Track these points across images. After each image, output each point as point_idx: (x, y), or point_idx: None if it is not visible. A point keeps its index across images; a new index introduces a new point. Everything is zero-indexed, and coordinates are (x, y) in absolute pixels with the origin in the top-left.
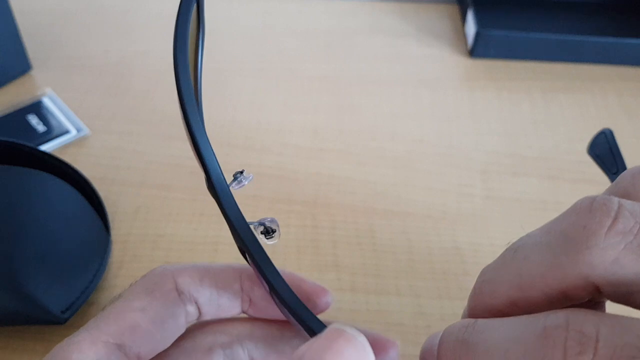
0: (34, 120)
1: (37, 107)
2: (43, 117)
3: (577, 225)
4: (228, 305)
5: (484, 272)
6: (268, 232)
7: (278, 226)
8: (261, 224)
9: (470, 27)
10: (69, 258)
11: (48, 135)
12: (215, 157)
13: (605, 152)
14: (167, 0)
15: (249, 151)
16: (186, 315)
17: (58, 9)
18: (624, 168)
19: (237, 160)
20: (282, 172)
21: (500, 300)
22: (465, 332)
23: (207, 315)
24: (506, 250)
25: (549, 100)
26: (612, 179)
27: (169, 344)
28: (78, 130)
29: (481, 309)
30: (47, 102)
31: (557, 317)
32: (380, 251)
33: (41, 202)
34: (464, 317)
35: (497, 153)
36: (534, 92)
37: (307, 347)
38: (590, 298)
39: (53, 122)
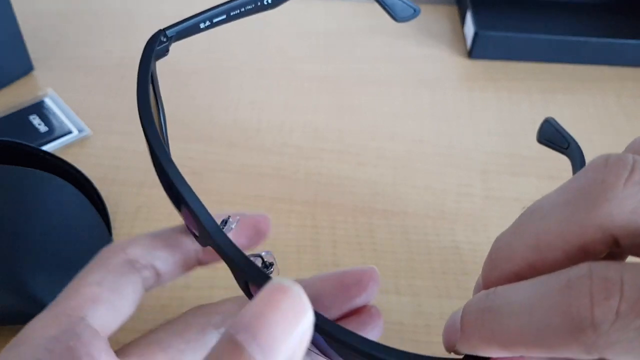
0: (35, 120)
1: (38, 108)
2: (45, 118)
3: (594, 180)
4: (184, 260)
5: (498, 239)
6: (267, 267)
7: (275, 259)
8: (259, 256)
9: (469, 28)
10: (71, 257)
11: (50, 136)
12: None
13: (553, 134)
14: (167, 0)
15: (249, 151)
16: (143, 281)
17: (59, 9)
18: (574, 141)
19: (237, 161)
20: (282, 172)
21: (518, 263)
22: (487, 299)
23: (167, 276)
24: (522, 214)
25: (548, 100)
26: (567, 154)
27: (132, 311)
28: (79, 130)
29: (497, 275)
30: (48, 102)
31: (579, 269)
32: (380, 251)
33: (43, 202)
34: (477, 288)
35: (496, 153)
36: (533, 93)
37: (250, 305)
38: (608, 253)
39: (55, 123)
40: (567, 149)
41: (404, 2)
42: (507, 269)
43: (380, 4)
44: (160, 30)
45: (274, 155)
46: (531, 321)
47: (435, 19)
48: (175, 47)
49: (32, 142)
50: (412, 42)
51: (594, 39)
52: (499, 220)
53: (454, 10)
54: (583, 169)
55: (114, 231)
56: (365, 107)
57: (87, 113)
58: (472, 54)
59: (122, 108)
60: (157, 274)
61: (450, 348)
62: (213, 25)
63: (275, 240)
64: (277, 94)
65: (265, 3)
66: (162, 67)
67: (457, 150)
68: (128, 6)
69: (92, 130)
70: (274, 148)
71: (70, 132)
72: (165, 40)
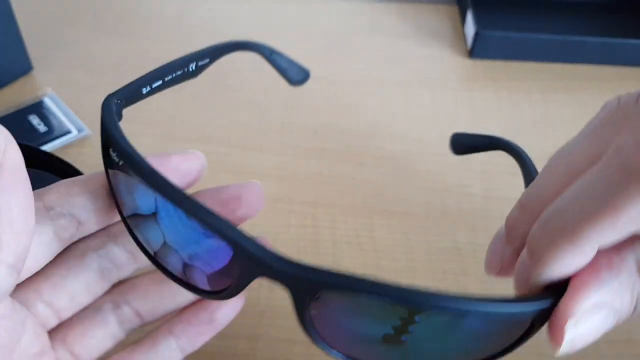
0: (35, 120)
1: (38, 107)
2: (44, 117)
3: (611, 108)
4: (106, 205)
5: (526, 189)
6: None
7: None
8: None
9: (470, 27)
10: None
11: (49, 136)
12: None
13: (468, 141)
14: (167, 0)
15: (249, 151)
16: (58, 230)
17: (59, 9)
18: (493, 136)
19: (237, 161)
20: (282, 172)
21: (549, 196)
22: (543, 216)
23: (88, 223)
24: (549, 160)
25: (548, 100)
26: (499, 148)
27: (45, 259)
28: (79, 130)
29: (529, 212)
30: (48, 102)
31: (620, 140)
32: (380, 251)
33: None
34: (496, 237)
35: (496, 153)
36: (533, 93)
37: None
38: None
39: (54, 122)
40: (493, 143)
41: (297, 66)
42: (537, 204)
43: (275, 68)
44: (109, 95)
45: (274, 155)
46: (592, 195)
47: (436, 19)
48: (176, 48)
49: (31, 142)
50: (412, 42)
51: (594, 39)
52: (499, 220)
53: (454, 10)
54: (597, 113)
55: None
56: (365, 107)
57: (87, 113)
58: (472, 53)
59: None
60: (78, 223)
61: (523, 287)
62: (153, 90)
63: (275, 240)
64: (276, 93)
65: (190, 70)
66: None
67: None
68: (128, 6)
69: (92, 130)
70: (274, 148)
71: (69, 132)
72: (118, 101)
